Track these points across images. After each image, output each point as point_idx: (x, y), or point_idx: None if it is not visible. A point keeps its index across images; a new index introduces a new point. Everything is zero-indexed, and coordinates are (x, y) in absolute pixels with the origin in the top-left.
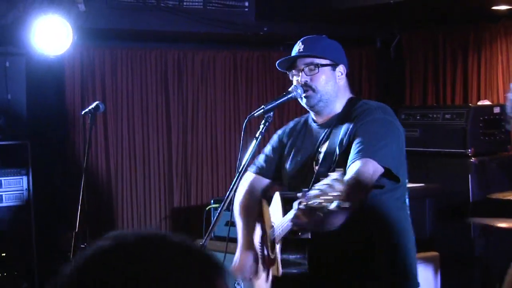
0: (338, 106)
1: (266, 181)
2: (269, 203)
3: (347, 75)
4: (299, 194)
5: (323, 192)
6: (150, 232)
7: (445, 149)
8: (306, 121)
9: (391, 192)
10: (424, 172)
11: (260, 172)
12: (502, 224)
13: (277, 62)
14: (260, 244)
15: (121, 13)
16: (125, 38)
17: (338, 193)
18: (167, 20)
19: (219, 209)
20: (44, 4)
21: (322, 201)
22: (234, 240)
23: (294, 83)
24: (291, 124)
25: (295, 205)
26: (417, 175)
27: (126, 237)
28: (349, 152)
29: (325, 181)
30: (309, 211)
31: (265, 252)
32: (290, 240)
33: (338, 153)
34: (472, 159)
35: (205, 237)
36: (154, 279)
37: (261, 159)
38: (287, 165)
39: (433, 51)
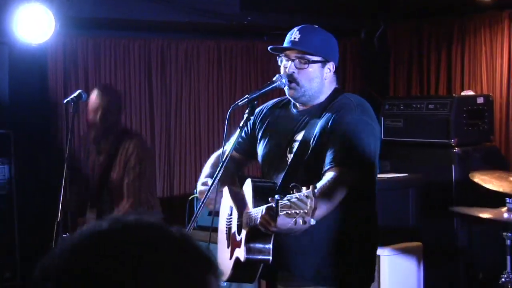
0: (321, 98)
1: (238, 156)
2: (241, 183)
3: (336, 69)
4: (270, 199)
5: (293, 205)
6: (149, 220)
7: (429, 139)
8: (286, 104)
9: (360, 192)
10: (407, 162)
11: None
12: (485, 215)
13: (270, 47)
14: (228, 219)
15: (105, 2)
16: (108, 27)
17: (306, 211)
18: (151, 9)
19: (202, 199)
20: None
21: (291, 213)
22: (218, 230)
23: (282, 68)
24: (270, 103)
25: (264, 209)
26: (401, 165)
27: (125, 221)
28: (323, 148)
29: (297, 195)
30: (275, 218)
31: (232, 231)
32: (257, 229)
33: (312, 146)
34: (456, 149)
35: (188, 227)
36: (147, 268)
37: (236, 133)
38: (262, 147)
39: (418, 41)
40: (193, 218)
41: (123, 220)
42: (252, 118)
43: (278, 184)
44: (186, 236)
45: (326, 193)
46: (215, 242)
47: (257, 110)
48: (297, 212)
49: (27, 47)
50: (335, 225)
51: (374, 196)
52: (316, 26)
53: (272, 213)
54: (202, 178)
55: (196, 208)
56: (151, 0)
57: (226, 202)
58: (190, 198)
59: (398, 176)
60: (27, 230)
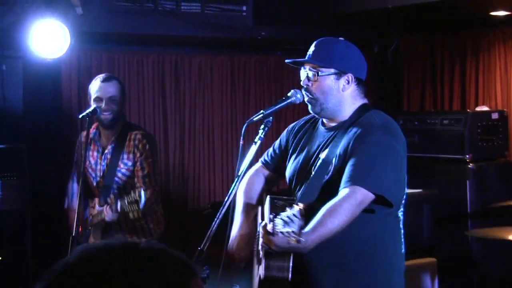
0: (345, 113)
1: (270, 174)
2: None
3: (363, 81)
4: (268, 217)
5: (285, 224)
6: (116, 242)
7: (443, 155)
8: (317, 121)
9: (382, 212)
10: (422, 178)
11: (265, 164)
12: (500, 234)
13: (287, 60)
14: (257, 238)
15: (119, 17)
16: (122, 41)
17: (295, 230)
18: (165, 24)
19: (218, 214)
20: (41, 7)
21: (284, 232)
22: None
23: (302, 80)
24: (302, 121)
25: (259, 228)
26: (415, 180)
27: (92, 250)
28: (344, 168)
29: (287, 213)
30: (272, 236)
31: (259, 248)
32: None
33: (333, 165)
34: (470, 165)
35: (204, 242)
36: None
37: (269, 151)
38: (290, 164)
39: (431, 56)
40: (208, 234)
41: (88, 249)
42: (285, 134)
43: (297, 199)
44: (159, 248)
45: (333, 210)
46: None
47: (290, 126)
48: (289, 231)
49: (42, 62)
50: (355, 242)
51: (396, 213)
52: (341, 38)
53: (269, 232)
54: (237, 212)
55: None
56: (164, 14)
57: (259, 221)
58: (204, 213)
59: (412, 192)
60: (41, 244)
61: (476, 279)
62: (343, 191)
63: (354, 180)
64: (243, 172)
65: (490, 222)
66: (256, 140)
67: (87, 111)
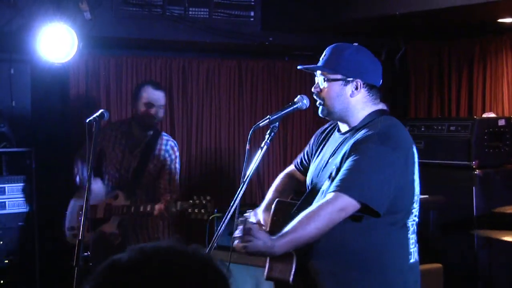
0: (355, 118)
1: (300, 174)
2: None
3: (375, 86)
4: (240, 219)
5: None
6: (164, 245)
7: (450, 161)
8: (334, 127)
9: (386, 221)
10: (428, 184)
11: (297, 167)
12: (506, 238)
13: (299, 66)
14: None
15: (127, 22)
16: (130, 46)
17: (240, 235)
18: (172, 29)
19: (223, 218)
20: (49, 11)
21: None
22: None
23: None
24: (328, 125)
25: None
26: (421, 187)
27: (145, 251)
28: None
29: (240, 218)
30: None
31: None
32: None
33: (335, 170)
34: (477, 172)
35: (209, 247)
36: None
37: (301, 154)
38: (310, 167)
39: (438, 63)
40: (213, 238)
41: (143, 251)
42: (314, 139)
43: (299, 203)
44: (205, 258)
45: (310, 217)
46: (236, 262)
47: (318, 131)
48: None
49: (50, 66)
50: (357, 250)
51: (404, 222)
52: (355, 44)
53: (239, 234)
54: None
55: (216, 228)
56: (172, 19)
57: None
58: (210, 217)
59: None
60: (48, 246)
61: (482, 285)
62: (326, 197)
63: (338, 187)
64: (249, 177)
65: (496, 228)
66: (262, 145)
67: (95, 115)
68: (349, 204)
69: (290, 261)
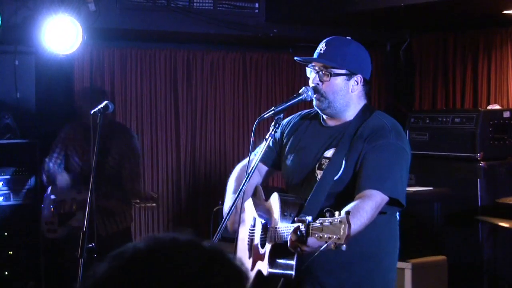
0: (350, 114)
1: (264, 168)
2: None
3: (368, 82)
4: (299, 219)
5: (325, 229)
6: (182, 237)
7: (454, 153)
8: (315, 117)
9: (388, 214)
10: (433, 176)
11: (264, 162)
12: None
13: (297, 58)
14: (251, 230)
15: (131, 13)
16: (134, 38)
17: (339, 237)
18: (177, 21)
19: (228, 210)
20: (54, 3)
21: (323, 236)
22: (237, 238)
23: (310, 80)
24: (297, 117)
25: (292, 230)
26: (426, 179)
27: (161, 242)
28: (355, 170)
29: (330, 219)
30: (304, 240)
31: (254, 242)
32: (282, 245)
33: (344, 166)
34: (481, 164)
35: (214, 238)
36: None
37: (262, 145)
38: (289, 161)
39: (443, 55)
40: (218, 230)
41: (160, 241)
42: (279, 129)
43: (307, 199)
44: (220, 252)
45: (357, 213)
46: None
47: (285, 121)
48: (330, 237)
49: (54, 58)
50: (362, 243)
51: (396, 215)
52: (348, 38)
53: (300, 235)
54: (228, 194)
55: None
56: (177, 11)
57: (250, 213)
58: (214, 209)
59: (423, 190)
60: (52, 239)
61: (486, 277)
62: (362, 194)
63: (372, 184)
64: (254, 168)
65: (501, 220)
66: (267, 137)
67: (99, 106)
68: (384, 200)
69: (292, 256)
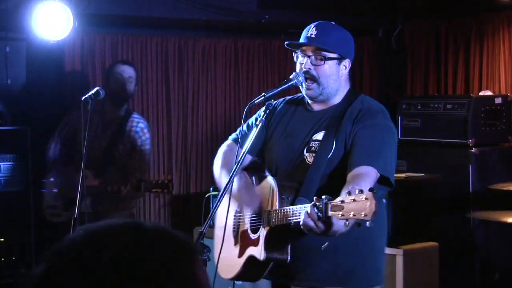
0: (338, 97)
1: (249, 157)
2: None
3: (351, 67)
4: (315, 198)
5: (346, 206)
6: (121, 222)
7: (446, 139)
8: (301, 102)
9: (379, 195)
10: (424, 162)
11: (251, 151)
12: (502, 218)
13: (287, 42)
14: (236, 216)
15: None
16: (126, 24)
17: (365, 213)
18: (169, 7)
19: (219, 196)
20: None
21: (345, 214)
22: (215, 227)
23: (298, 65)
24: (281, 102)
25: (309, 208)
26: (417, 165)
27: (96, 230)
28: (346, 150)
29: (353, 196)
30: (322, 218)
31: (243, 228)
32: (279, 227)
33: (334, 147)
34: (473, 150)
35: (204, 225)
36: (132, 269)
37: (242, 129)
38: (275, 145)
39: (435, 41)
40: (209, 216)
41: (93, 230)
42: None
43: (302, 182)
44: (166, 231)
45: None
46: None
47: (267, 109)
48: (354, 214)
49: (45, 44)
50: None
51: (384, 197)
52: (333, 22)
53: (318, 214)
54: (216, 166)
55: (212, 206)
56: None
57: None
58: (206, 195)
59: (415, 176)
60: (43, 227)
61: (478, 263)
62: (357, 170)
63: (365, 160)
64: (244, 154)
65: (492, 206)
66: (257, 122)
67: (90, 92)
68: (376, 177)
69: (288, 240)
